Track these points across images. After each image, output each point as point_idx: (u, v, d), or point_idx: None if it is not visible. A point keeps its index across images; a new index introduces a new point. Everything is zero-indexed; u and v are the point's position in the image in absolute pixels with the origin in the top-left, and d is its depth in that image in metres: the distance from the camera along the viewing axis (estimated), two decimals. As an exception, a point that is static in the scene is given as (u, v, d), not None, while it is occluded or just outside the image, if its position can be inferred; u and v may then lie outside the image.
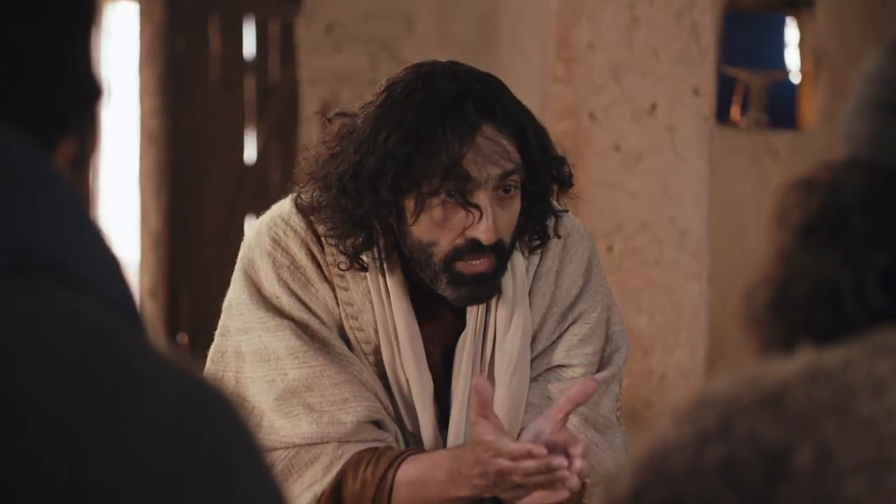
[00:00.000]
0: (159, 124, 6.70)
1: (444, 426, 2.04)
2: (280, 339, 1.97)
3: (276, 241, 2.01)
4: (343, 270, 2.00)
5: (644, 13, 3.44)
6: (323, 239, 2.00)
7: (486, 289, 1.96)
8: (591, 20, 3.43)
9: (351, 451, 1.96)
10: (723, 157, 5.45)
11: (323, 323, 2.00)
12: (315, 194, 1.99)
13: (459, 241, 1.92)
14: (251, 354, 2.00)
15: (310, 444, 1.97)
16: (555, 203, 2.06)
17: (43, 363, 0.72)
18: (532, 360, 2.08)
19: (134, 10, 6.61)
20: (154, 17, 6.68)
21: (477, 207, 1.90)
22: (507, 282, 2.03)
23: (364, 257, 1.99)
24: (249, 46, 6.77)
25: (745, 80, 6.35)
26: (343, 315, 2.01)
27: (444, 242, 1.93)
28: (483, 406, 1.86)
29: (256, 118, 6.73)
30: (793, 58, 6.56)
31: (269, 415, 1.99)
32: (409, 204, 1.92)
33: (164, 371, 0.76)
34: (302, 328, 1.99)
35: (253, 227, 2.07)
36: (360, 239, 1.96)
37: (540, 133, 1.97)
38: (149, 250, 6.63)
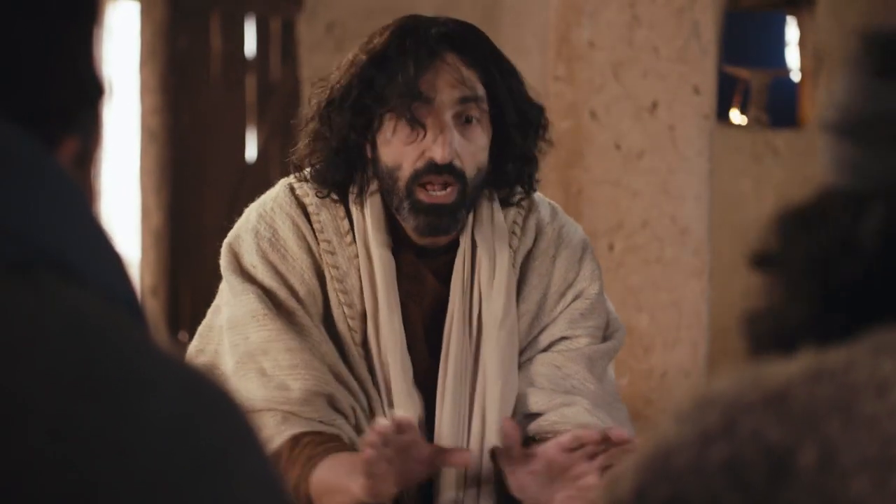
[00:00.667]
0: (160, 122, 6.70)
1: (420, 386, 2.07)
2: (244, 304, 2.04)
3: (261, 217, 2.09)
4: (321, 198, 2.07)
5: (645, 11, 3.44)
6: (309, 209, 2.08)
7: (446, 221, 2.02)
8: (591, 18, 3.43)
9: (293, 428, 1.98)
10: (723, 155, 5.45)
11: (293, 294, 2.05)
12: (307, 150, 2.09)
13: (419, 163, 1.99)
14: (225, 323, 2.07)
15: (256, 411, 2.00)
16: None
17: (45, 360, 0.72)
18: (536, 337, 2.12)
19: (135, 9, 6.61)
20: (155, 15, 6.67)
21: (422, 125, 1.98)
22: (485, 234, 2.09)
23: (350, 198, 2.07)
24: (250, 45, 6.77)
25: (745, 79, 6.35)
26: (329, 277, 2.07)
27: (406, 165, 1.99)
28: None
29: (257, 116, 6.73)
30: (793, 56, 6.55)
31: (231, 379, 2.04)
32: (376, 126, 2.01)
33: (166, 368, 0.76)
34: (270, 296, 2.04)
35: (246, 210, 2.16)
36: (340, 167, 2.04)
37: (509, 73, 2.05)
38: (150, 248, 6.63)
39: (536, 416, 2.06)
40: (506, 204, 2.12)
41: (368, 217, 2.06)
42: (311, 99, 2.09)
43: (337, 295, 2.06)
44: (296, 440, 1.97)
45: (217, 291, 2.17)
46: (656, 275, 3.47)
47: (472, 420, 2.06)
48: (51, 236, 0.77)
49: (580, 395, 2.07)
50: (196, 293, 6.59)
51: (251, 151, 6.73)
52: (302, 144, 2.10)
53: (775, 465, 0.75)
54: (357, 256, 2.06)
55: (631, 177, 3.46)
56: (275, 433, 1.97)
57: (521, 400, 2.08)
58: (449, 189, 1.99)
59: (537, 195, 2.19)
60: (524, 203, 2.15)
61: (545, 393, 2.07)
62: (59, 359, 0.73)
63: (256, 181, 6.74)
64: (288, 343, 2.01)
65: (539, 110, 2.08)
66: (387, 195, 2.04)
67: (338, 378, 2.04)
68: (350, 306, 2.06)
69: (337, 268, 2.07)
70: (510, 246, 2.11)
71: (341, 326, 2.06)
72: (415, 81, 1.97)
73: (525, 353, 2.12)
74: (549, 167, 3.68)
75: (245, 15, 6.77)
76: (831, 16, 6.22)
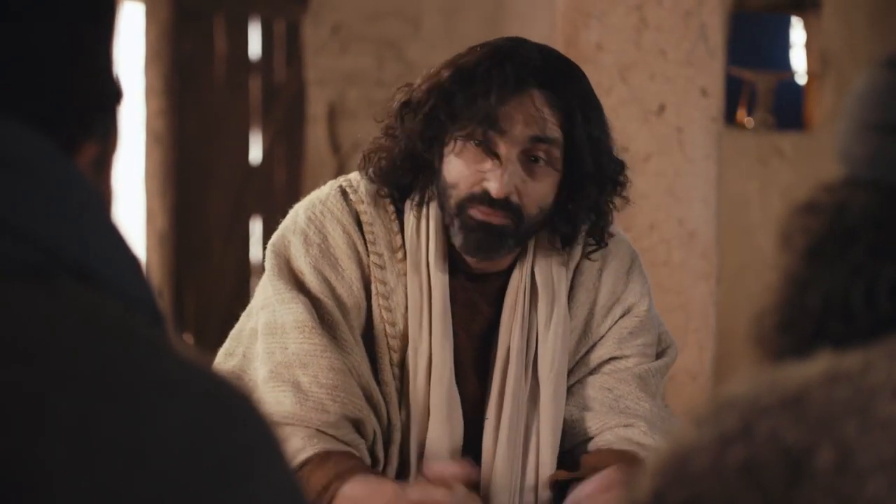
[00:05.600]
0: (165, 124, 6.70)
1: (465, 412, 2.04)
2: (290, 312, 1.98)
3: (310, 220, 2.03)
4: (383, 197, 2.03)
5: (652, 14, 3.44)
6: (363, 217, 2.03)
7: (493, 242, 1.97)
8: (599, 21, 3.43)
9: (325, 444, 1.93)
10: (729, 157, 5.44)
11: (340, 305, 2.00)
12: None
13: (476, 188, 1.95)
14: (263, 328, 2.01)
15: (286, 424, 1.94)
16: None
17: (65, 363, 0.73)
18: (584, 357, 2.09)
19: (140, 11, 6.61)
20: (160, 18, 6.67)
21: (494, 153, 1.94)
22: (545, 278, 2.05)
23: (408, 211, 2.03)
24: (255, 47, 6.77)
25: (751, 81, 6.34)
26: (375, 293, 2.02)
27: (463, 186, 1.96)
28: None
29: (262, 118, 6.73)
30: (799, 58, 6.55)
31: (261, 387, 1.97)
32: (448, 143, 1.97)
33: (186, 372, 0.76)
34: (316, 306, 1.99)
35: (292, 211, 2.09)
36: (405, 171, 2.00)
37: (595, 122, 1.99)
38: (154, 250, 6.63)
39: (591, 439, 2.04)
40: (567, 243, 2.06)
41: (431, 235, 2.02)
42: (396, 95, 2.05)
43: (381, 312, 2.01)
44: (327, 455, 1.92)
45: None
46: (664, 278, 3.46)
47: (527, 454, 2.04)
48: (70, 241, 0.77)
49: (637, 416, 2.03)
50: (201, 296, 6.59)
51: (256, 153, 6.72)
52: (376, 139, 2.05)
53: (792, 466, 0.75)
54: (405, 274, 2.02)
55: (638, 179, 3.45)
56: (307, 445, 1.92)
57: (575, 426, 2.05)
58: (499, 214, 1.95)
59: None
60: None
61: (598, 415, 2.04)
62: (78, 362, 0.73)
63: (261, 183, 6.74)
64: (332, 361, 1.95)
65: (619, 165, 2.03)
66: (440, 206, 2.01)
67: (369, 400, 1.99)
68: (392, 325, 2.01)
69: (385, 283, 2.02)
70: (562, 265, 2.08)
71: (380, 344, 2.02)
72: (493, 111, 1.92)
73: (574, 373, 2.08)
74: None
75: (249, 17, 6.77)
76: (837, 18, 6.21)
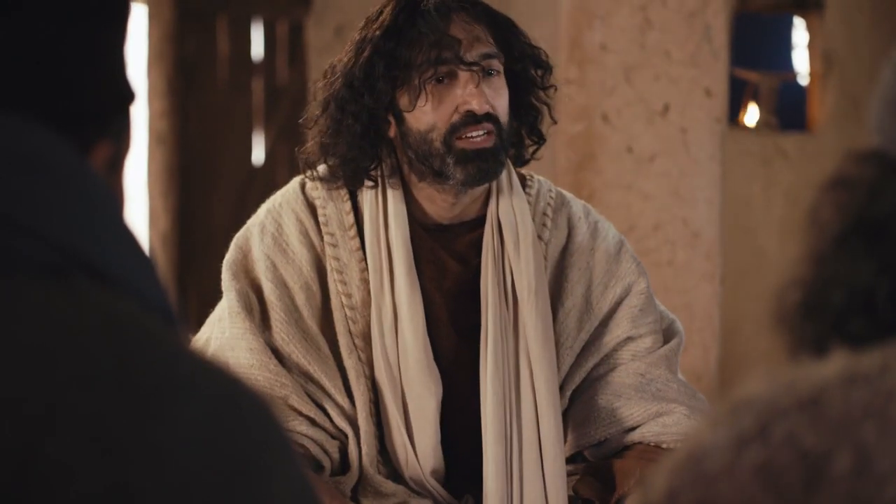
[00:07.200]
0: (168, 126, 6.70)
1: (447, 366, 2.10)
2: (226, 300, 2.13)
3: (269, 212, 2.17)
4: (364, 186, 2.10)
5: (656, 15, 3.45)
6: (317, 202, 2.13)
7: (492, 164, 2.04)
8: (603, 22, 3.44)
9: None
10: (733, 158, 5.44)
11: (284, 287, 2.10)
12: (321, 145, 2.11)
13: (455, 117, 2.02)
14: (215, 316, 2.17)
15: None
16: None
17: (81, 364, 0.73)
18: (597, 341, 2.15)
19: (142, 12, 6.61)
20: (162, 18, 6.68)
21: (468, 65, 2.00)
22: (506, 214, 2.11)
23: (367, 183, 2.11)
24: (258, 48, 6.77)
25: (754, 82, 6.34)
26: (329, 269, 2.11)
27: (441, 124, 2.03)
28: None
29: (265, 120, 6.73)
30: (802, 59, 6.55)
31: None
32: (404, 99, 2.04)
33: (201, 373, 0.76)
34: (256, 291, 2.11)
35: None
36: (367, 152, 2.07)
37: (512, 24, 2.10)
38: (158, 251, 6.64)
39: (634, 428, 2.11)
40: (522, 162, 2.15)
41: (390, 201, 2.09)
42: (318, 96, 2.12)
43: (336, 285, 2.10)
44: None
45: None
46: (668, 278, 3.47)
47: (519, 388, 2.08)
48: (85, 241, 0.77)
49: (672, 400, 2.11)
50: (204, 296, 6.59)
51: (258, 154, 6.73)
52: (313, 143, 2.12)
53: (810, 469, 0.75)
54: (359, 249, 2.11)
55: (643, 180, 3.47)
56: None
57: (614, 414, 2.11)
58: (487, 135, 2.02)
59: (568, 194, 2.21)
60: (553, 197, 2.18)
61: (636, 403, 2.11)
62: (94, 363, 0.73)
63: (264, 184, 6.74)
64: (251, 343, 2.07)
65: (540, 50, 2.13)
66: (421, 162, 2.06)
67: (306, 376, 2.08)
68: (348, 296, 2.10)
69: (338, 259, 2.11)
70: (541, 238, 2.14)
71: (337, 314, 2.10)
72: (442, 39, 2.00)
73: (589, 356, 2.15)
74: (560, 170, 3.69)
75: (252, 18, 6.77)
76: (840, 18, 6.21)
